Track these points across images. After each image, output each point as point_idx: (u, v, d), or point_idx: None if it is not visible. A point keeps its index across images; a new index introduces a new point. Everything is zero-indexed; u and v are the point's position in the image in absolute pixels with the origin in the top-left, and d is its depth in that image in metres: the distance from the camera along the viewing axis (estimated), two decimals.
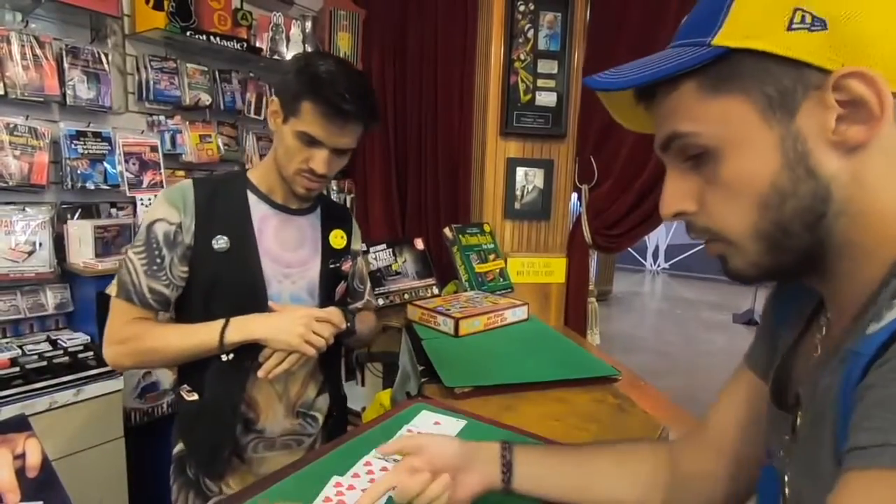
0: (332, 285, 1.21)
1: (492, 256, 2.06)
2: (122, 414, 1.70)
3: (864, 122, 0.40)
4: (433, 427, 0.97)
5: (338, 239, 1.21)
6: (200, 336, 1.02)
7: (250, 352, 1.04)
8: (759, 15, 0.42)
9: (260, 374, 1.02)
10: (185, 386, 1.13)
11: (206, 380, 1.09)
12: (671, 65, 0.45)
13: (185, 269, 1.06)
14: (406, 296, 1.96)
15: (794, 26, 0.40)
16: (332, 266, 1.19)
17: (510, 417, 1.04)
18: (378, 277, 1.94)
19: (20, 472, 0.60)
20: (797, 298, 0.56)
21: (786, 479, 0.51)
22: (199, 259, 1.06)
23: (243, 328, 1.02)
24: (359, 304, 1.33)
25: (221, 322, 1.02)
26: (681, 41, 0.47)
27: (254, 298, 1.07)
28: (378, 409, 1.60)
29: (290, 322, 1.01)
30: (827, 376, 0.43)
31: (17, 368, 1.55)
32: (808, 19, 0.40)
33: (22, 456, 0.61)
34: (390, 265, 2.00)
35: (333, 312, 1.08)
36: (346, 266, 1.23)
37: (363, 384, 2.79)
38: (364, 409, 2.05)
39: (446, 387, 1.16)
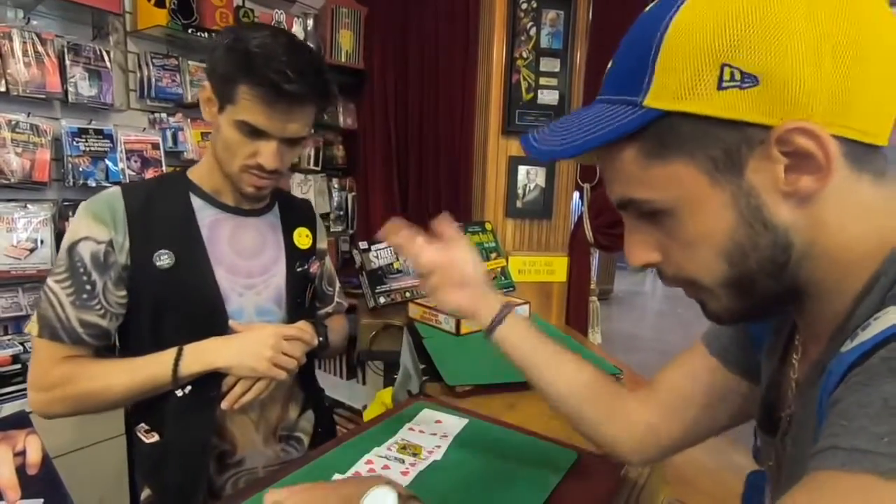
0: (301, 291, 1.08)
1: (493, 255, 2.06)
2: (124, 411, 1.70)
3: (813, 173, 0.39)
4: (435, 425, 0.97)
5: (303, 238, 1.08)
6: (149, 370, 0.88)
7: (213, 380, 0.91)
8: (686, 73, 0.40)
9: (224, 405, 0.91)
10: (143, 425, 0.97)
11: (166, 417, 0.94)
12: (607, 131, 0.43)
13: (123, 293, 0.91)
14: (407, 294, 1.96)
15: (725, 84, 0.39)
16: (299, 270, 1.06)
17: (512, 416, 1.03)
18: (379, 276, 1.94)
19: (20, 470, 0.59)
20: (773, 321, 0.58)
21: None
22: (140, 281, 0.90)
23: (201, 357, 0.89)
24: (329, 309, 1.22)
25: (174, 352, 0.88)
26: (610, 96, 0.45)
27: (211, 319, 0.93)
28: (379, 407, 1.60)
29: (256, 344, 0.90)
30: (807, 401, 0.44)
31: (19, 365, 1.56)
32: (738, 76, 0.38)
33: (22, 453, 0.61)
34: (391, 263, 1.99)
35: (304, 329, 0.97)
36: (315, 268, 1.12)
37: (364, 382, 2.80)
38: (365, 407, 2.05)
39: (448, 385, 1.15)
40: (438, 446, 0.90)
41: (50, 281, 0.89)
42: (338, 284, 1.27)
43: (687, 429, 0.68)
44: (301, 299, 1.09)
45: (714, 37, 0.39)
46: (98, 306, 0.89)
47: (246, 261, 1.00)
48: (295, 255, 1.07)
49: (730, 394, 0.64)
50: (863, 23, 0.38)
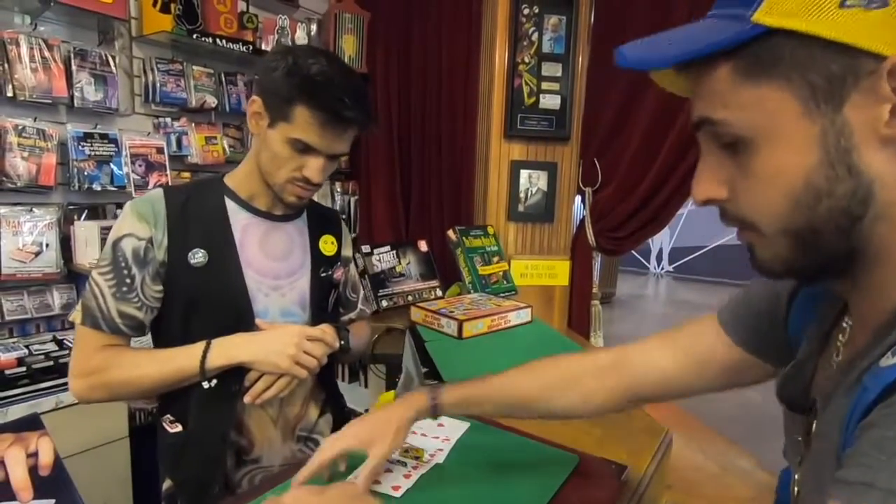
0: (324, 296, 1.12)
1: (495, 259, 2.07)
2: (127, 414, 1.71)
3: None
4: (437, 429, 0.98)
5: (328, 245, 1.13)
6: (179, 362, 0.93)
7: (237, 375, 0.95)
8: None
9: (246, 399, 0.95)
10: (168, 416, 1.02)
11: (189, 408, 0.98)
12: (704, 45, 0.40)
13: (159, 288, 0.96)
14: (409, 297, 1.97)
15: (848, 3, 0.35)
16: (323, 275, 1.10)
17: (513, 420, 1.04)
18: (382, 279, 1.95)
19: (33, 470, 0.61)
20: (822, 297, 0.55)
21: (796, 477, 0.53)
22: (175, 276, 0.96)
23: (227, 351, 0.93)
24: (352, 315, 1.25)
25: (202, 345, 0.93)
26: (720, 10, 0.42)
27: (238, 316, 0.98)
28: None
29: (280, 342, 0.94)
30: (839, 397, 0.43)
31: (24, 368, 1.56)
32: None
33: (35, 454, 0.62)
34: (394, 267, 2.00)
35: (327, 331, 1.01)
36: (339, 274, 1.15)
37: (366, 386, 2.80)
38: (367, 410, 2.06)
39: None
40: (440, 449, 0.91)
41: (94, 273, 0.95)
42: (362, 291, 1.29)
43: (633, 397, 0.72)
44: (324, 304, 1.13)
45: None
46: (136, 299, 0.95)
47: (273, 263, 1.04)
48: (320, 261, 1.11)
49: (719, 357, 0.64)
50: None
